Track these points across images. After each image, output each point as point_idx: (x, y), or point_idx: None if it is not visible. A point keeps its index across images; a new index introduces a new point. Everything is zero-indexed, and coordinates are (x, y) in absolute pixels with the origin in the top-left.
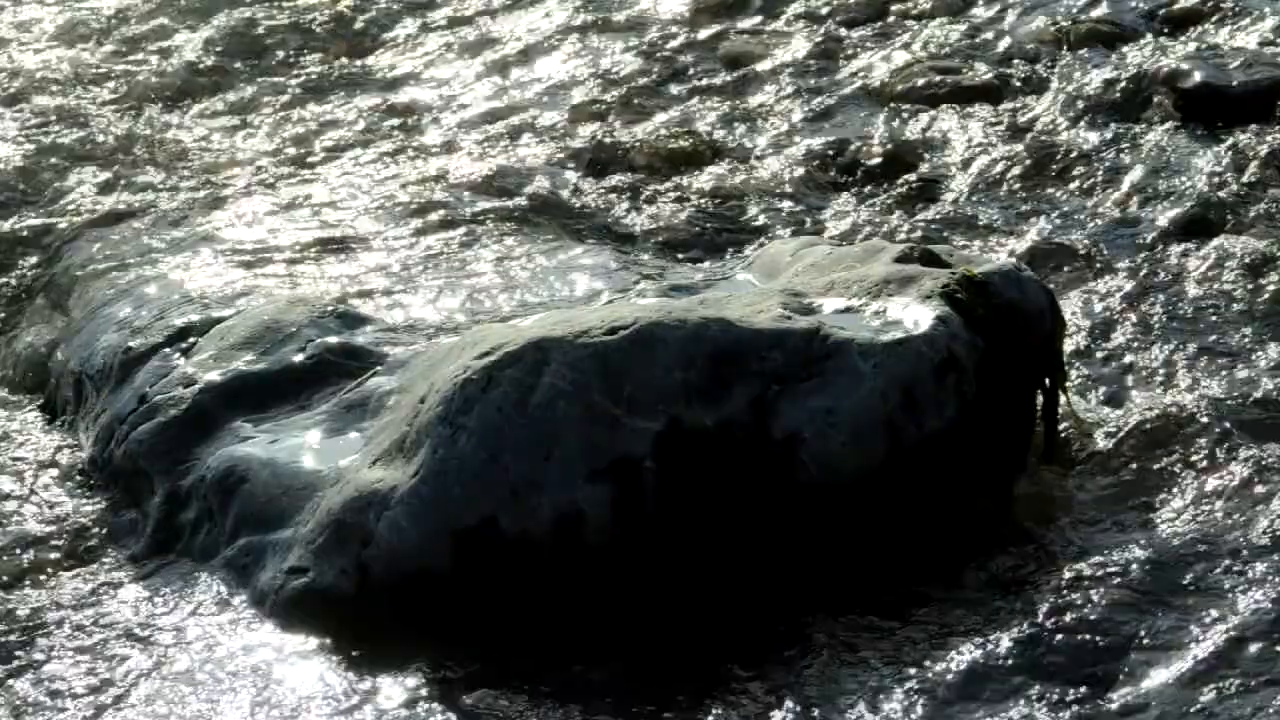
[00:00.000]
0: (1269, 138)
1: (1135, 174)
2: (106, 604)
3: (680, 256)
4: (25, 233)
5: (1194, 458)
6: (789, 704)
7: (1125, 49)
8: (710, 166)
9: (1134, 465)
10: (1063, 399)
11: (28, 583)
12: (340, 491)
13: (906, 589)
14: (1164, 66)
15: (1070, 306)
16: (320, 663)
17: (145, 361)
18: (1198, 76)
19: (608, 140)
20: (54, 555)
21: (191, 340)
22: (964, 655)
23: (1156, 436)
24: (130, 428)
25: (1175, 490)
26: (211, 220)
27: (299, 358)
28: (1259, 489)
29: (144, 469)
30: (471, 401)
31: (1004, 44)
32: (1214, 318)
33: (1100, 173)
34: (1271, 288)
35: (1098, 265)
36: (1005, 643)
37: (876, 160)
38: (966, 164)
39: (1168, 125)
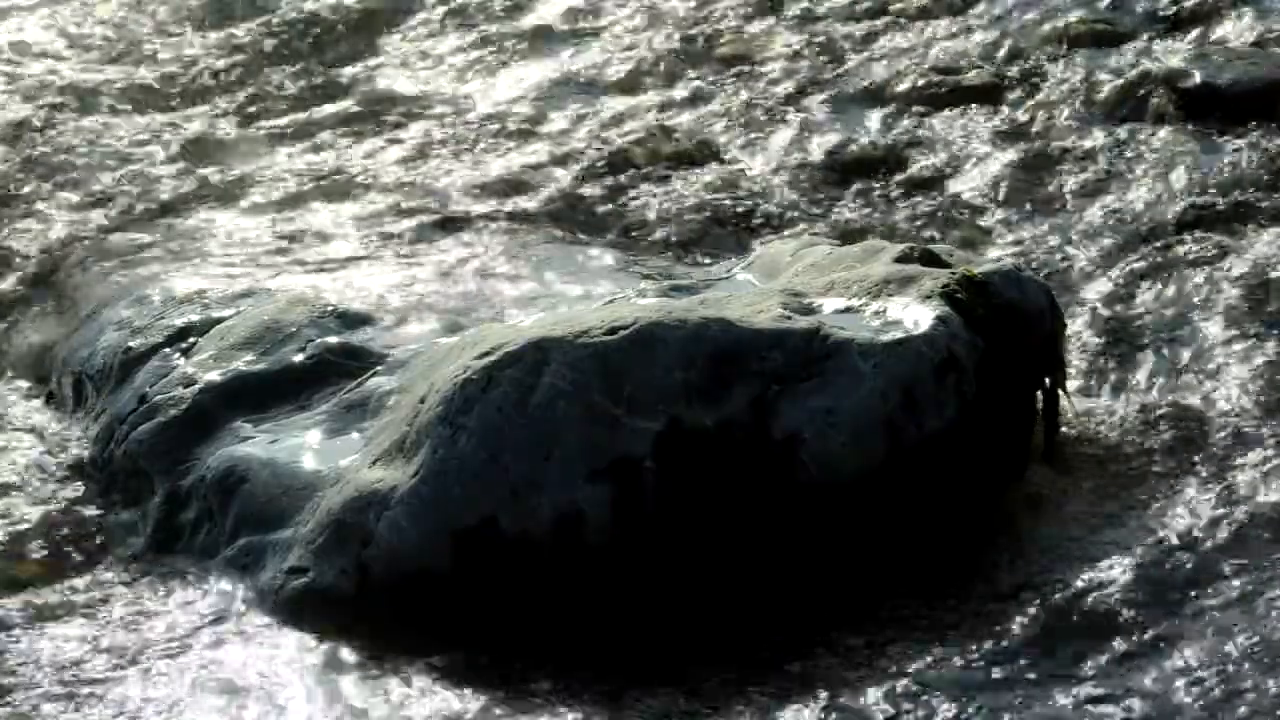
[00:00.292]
0: (1269, 138)
1: (1135, 174)
2: (106, 604)
3: (680, 256)
4: (25, 232)
5: (1194, 457)
6: (789, 704)
7: (1125, 49)
8: (710, 166)
9: (1134, 465)
10: (1063, 399)
11: (27, 582)
12: (340, 491)
13: (906, 589)
14: (1164, 66)
15: (1070, 306)
16: (320, 663)
17: (145, 361)
18: (1198, 76)
19: (608, 140)
20: (54, 555)
21: (191, 340)
22: (964, 655)
23: (1157, 436)
24: (130, 428)
25: (1176, 490)
26: (212, 220)
27: (299, 358)
28: (1260, 488)
29: (144, 469)
30: (471, 401)
31: (1004, 44)
32: (1215, 317)
33: (1100, 173)
34: (1273, 288)
35: (1097, 265)
36: (1005, 643)
37: (876, 160)
38: (966, 164)
39: (1168, 125)
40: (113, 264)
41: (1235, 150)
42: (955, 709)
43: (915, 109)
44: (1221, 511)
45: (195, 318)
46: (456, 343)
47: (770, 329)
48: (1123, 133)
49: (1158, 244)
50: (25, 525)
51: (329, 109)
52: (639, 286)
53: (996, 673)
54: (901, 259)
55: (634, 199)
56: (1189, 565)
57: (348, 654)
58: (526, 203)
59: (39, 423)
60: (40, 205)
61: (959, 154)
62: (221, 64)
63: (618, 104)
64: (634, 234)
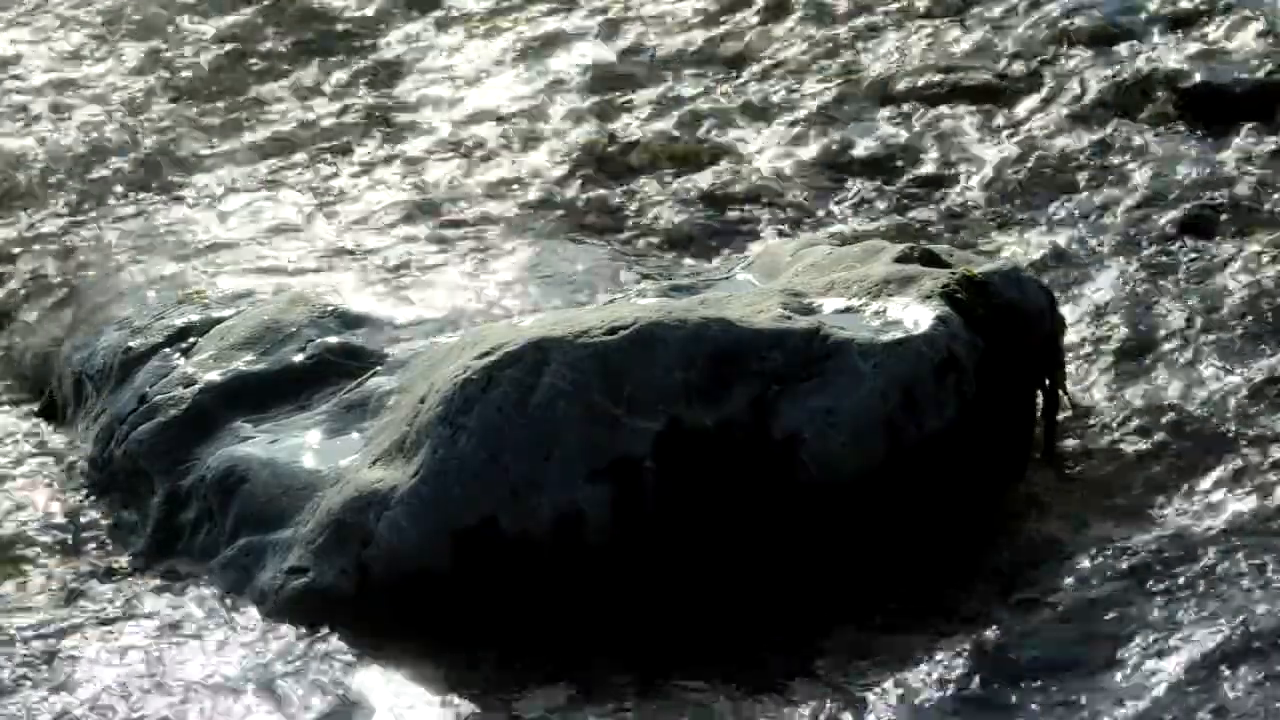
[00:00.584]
0: (1269, 138)
1: (1135, 174)
2: (106, 604)
3: (680, 256)
4: (25, 232)
5: (1195, 457)
6: (789, 704)
7: (1125, 49)
8: (710, 166)
9: (1134, 465)
10: (1063, 399)
11: (27, 582)
12: (340, 491)
13: (907, 589)
14: (1164, 66)
15: (1070, 306)
16: (320, 663)
17: (145, 361)
18: (1198, 76)
19: (608, 140)
20: (54, 555)
21: (191, 340)
22: (964, 655)
23: (1157, 436)
24: (130, 428)
25: (1176, 490)
26: (212, 219)
27: (299, 358)
28: (1260, 488)
29: (144, 469)
30: (471, 401)
31: (1004, 44)
32: (1215, 317)
33: (1100, 172)
34: (1272, 288)
35: (1097, 265)
36: (1006, 643)
37: (876, 160)
38: (966, 164)
39: (1168, 125)
40: (113, 264)
41: (1235, 150)
42: (955, 709)
43: (915, 109)
44: (1222, 512)
45: (195, 318)
46: (456, 343)
47: (770, 329)
48: (1123, 133)
49: (1158, 244)
50: (25, 525)
51: (329, 109)
52: (639, 286)
53: (996, 673)
54: (901, 259)
55: (634, 199)
56: (1189, 565)
57: (348, 654)
58: (526, 202)
59: (38, 423)
60: (40, 205)
61: (959, 154)
62: (222, 63)
63: (618, 104)
64: (634, 234)
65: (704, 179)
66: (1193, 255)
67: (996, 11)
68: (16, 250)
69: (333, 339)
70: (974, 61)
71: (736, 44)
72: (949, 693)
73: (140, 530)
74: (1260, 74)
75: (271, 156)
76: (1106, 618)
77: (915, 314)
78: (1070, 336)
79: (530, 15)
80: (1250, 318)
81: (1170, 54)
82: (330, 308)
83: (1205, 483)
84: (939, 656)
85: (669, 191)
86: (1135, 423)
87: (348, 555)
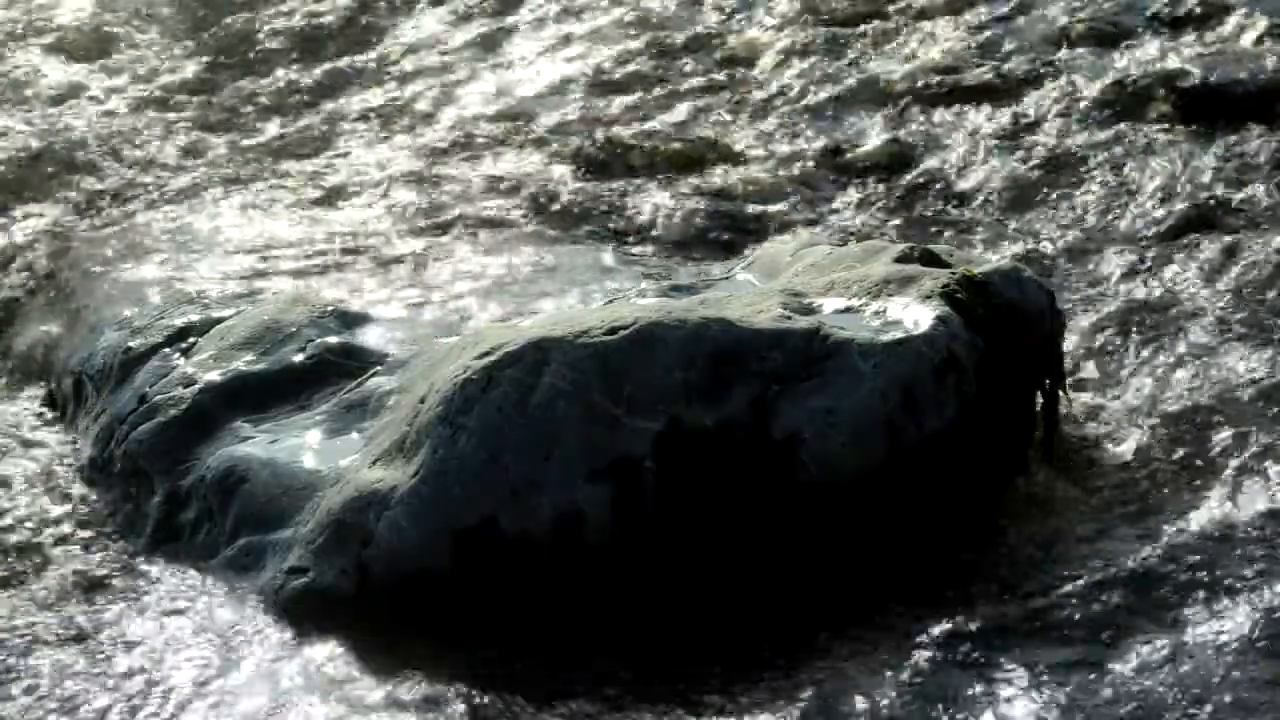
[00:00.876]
0: (1269, 138)
1: (1135, 174)
2: (106, 604)
3: (680, 256)
4: (26, 232)
5: (1195, 457)
6: (789, 705)
7: (1125, 49)
8: (710, 166)
9: (1134, 465)
10: (1063, 399)
11: (27, 583)
12: (340, 491)
13: (907, 589)
14: (1164, 66)
15: (1070, 306)
16: (320, 663)
17: (145, 361)
18: (1198, 76)
19: (608, 140)
20: (53, 555)
21: (191, 340)
22: (965, 655)
23: (1157, 436)
24: (130, 428)
25: (1176, 490)
26: (212, 220)
27: (299, 358)
28: (1260, 488)
29: (144, 469)
30: (471, 401)
31: (1004, 44)
32: (1215, 317)
33: (1100, 172)
34: (1272, 287)
35: (1097, 265)
36: (1005, 643)
37: (877, 160)
38: (966, 164)
39: (1168, 125)
40: (113, 264)
41: (1235, 150)
42: (955, 709)
43: (915, 109)
44: (1222, 511)
45: (195, 318)
46: (456, 343)
47: (770, 329)
48: (1123, 133)
49: (1158, 244)
50: (25, 525)
51: (329, 110)
52: (639, 286)
53: (996, 673)
54: (901, 259)
55: (634, 199)
56: (1190, 565)
57: (348, 654)
58: (526, 203)
59: (39, 423)
60: (40, 204)
61: (959, 154)
62: (222, 62)
63: (618, 104)
64: (634, 234)
65: (704, 179)
66: (1193, 255)
67: (996, 11)
68: (17, 250)
69: (333, 339)
70: (974, 61)
71: (736, 44)
72: (950, 692)
73: (140, 530)
74: (1260, 74)
75: (271, 156)
76: (1107, 618)
77: (915, 314)
78: (1070, 336)
79: (530, 15)
80: (1251, 317)
81: (1170, 54)
82: (330, 308)
83: (1206, 482)
84: (939, 656)
85: (669, 191)
86: (1136, 423)
87: (348, 555)
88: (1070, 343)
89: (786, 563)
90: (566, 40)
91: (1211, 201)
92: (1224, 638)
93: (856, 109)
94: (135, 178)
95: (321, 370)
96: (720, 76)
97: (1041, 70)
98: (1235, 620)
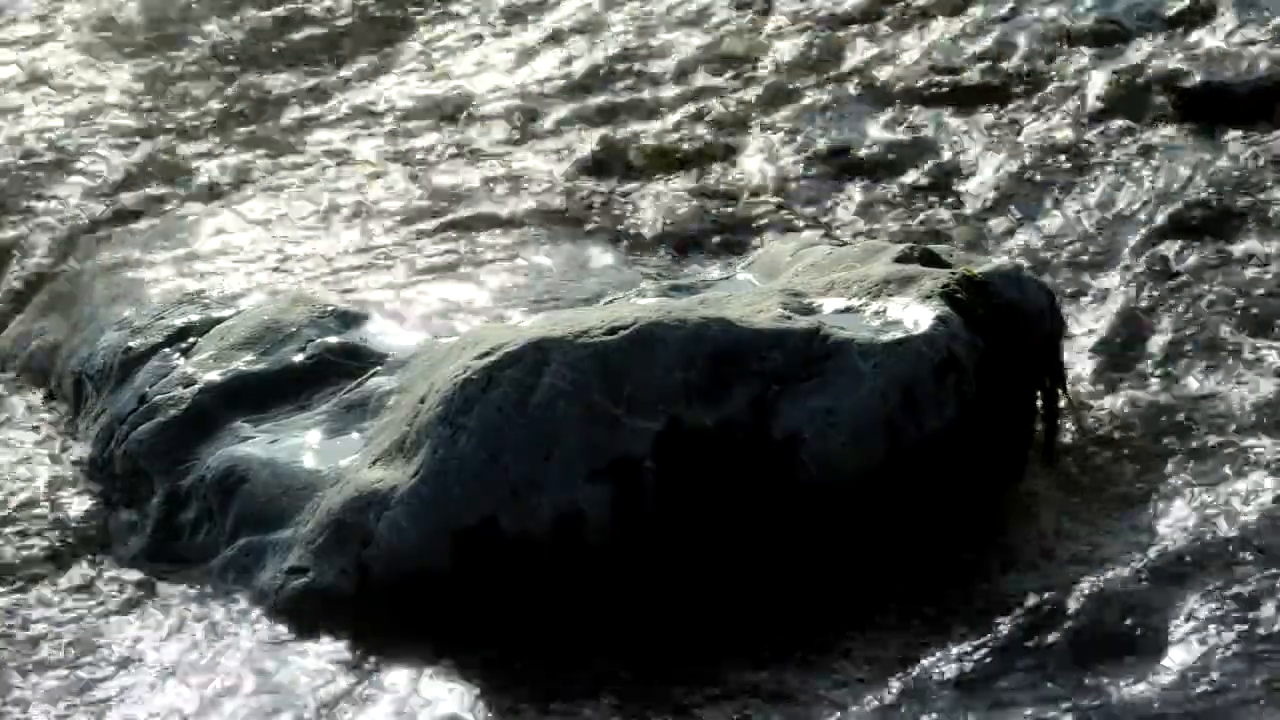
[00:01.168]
0: (1269, 138)
1: (1135, 174)
2: (105, 604)
3: (680, 257)
4: (26, 232)
5: (1195, 458)
6: (789, 704)
7: (1125, 49)
8: (710, 166)
9: (1135, 465)
10: (1063, 399)
11: (26, 583)
12: (340, 491)
13: (907, 589)
14: (1164, 66)
15: (1070, 306)
16: (320, 663)
17: (145, 361)
18: (1198, 76)
19: (608, 140)
20: (53, 555)
21: (191, 340)
22: (965, 656)
23: (1157, 437)
24: (130, 428)
25: (1176, 490)
26: (212, 220)
27: (299, 358)
28: (1260, 488)
29: (144, 469)
30: (471, 401)
31: (1004, 44)
32: (1214, 318)
33: (1100, 173)
34: (1272, 288)
35: (1097, 265)
36: (1006, 643)
37: (876, 160)
38: (966, 164)
39: (1168, 125)
40: (113, 264)
41: (1235, 150)
42: (955, 710)
43: (915, 109)
44: (1222, 512)
45: (195, 318)
46: (456, 343)
47: (770, 329)
48: (1122, 133)
49: (1158, 244)
50: (24, 525)
51: (329, 110)
52: (639, 286)
53: (996, 674)
54: (901, 259)
55: (634, 199)
56: (1190, 566)
57: (348, 654)
58: (526, 203)
59: (38, 423)
60: (40, 204)
61: (959, 154)
62: (222, 62)
63: (617, 104)
64: (634, 234)
65: (704, 179)
66: (1194, 255)
67: (996, 11)
68: (17, 250)
69: (333, 339)
70: (974, 61)
71: (736, 44)
72: (950, 692)
73: (140, 530)
74: (1260, 74)
75: (271, 156)
76: (1108, 618)
77: (915, 314)
78: (1070, 337)
79: (530, 15)
80: (1251, 318)
81: (1170, 54)
82: (330, 308)
83: (1207, 483)
84: (939, 656)
85: (669, 192)
86: (1136, 423)
87: (348, 555)
88: (1070, 343)
89: (786, 563)
90: (566, 40)
91: (1211, 201)
92: (1227, 638)
93: (856, 109)
94: (135, 176)
95: (321, 370)
96: (720, 75)
97: (1041, 70)
98: (1239, 620)
